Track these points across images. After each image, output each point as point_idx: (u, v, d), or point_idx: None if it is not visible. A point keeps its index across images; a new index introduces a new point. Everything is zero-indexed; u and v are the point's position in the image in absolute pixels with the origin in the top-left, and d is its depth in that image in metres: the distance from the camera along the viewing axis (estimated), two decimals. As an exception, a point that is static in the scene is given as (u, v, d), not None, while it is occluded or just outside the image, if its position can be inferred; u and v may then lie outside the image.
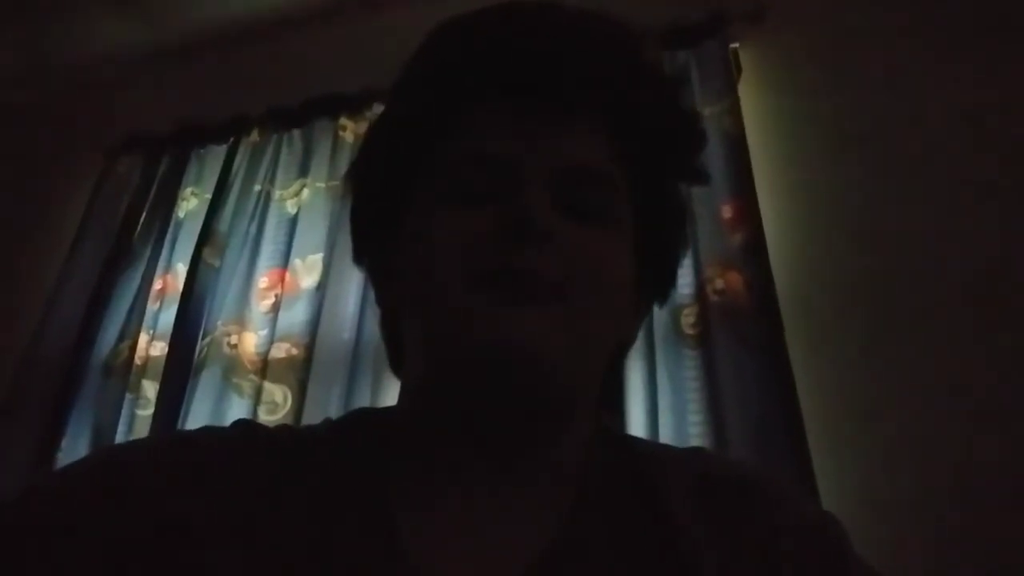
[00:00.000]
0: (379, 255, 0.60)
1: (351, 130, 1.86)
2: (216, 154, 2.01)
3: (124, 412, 1.70)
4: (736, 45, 1.60)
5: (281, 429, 0.58)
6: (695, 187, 0.63)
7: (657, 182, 0.58)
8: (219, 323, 1.72)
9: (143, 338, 1.80)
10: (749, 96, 1.55)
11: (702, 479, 0.54)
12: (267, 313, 1.70)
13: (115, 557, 0.45)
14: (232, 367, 1.66)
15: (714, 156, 1.42)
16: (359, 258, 0.62)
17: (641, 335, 1.05)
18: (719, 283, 1.36)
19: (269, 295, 1.72)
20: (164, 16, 2.19)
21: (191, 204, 1.99)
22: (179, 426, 1.59)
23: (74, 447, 1.72)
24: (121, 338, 1.81)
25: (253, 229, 1.81)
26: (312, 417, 1.51)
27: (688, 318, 1.37)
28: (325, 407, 1.53)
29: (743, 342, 1.30)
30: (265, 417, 1.56)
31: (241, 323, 1.71)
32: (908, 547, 1.11)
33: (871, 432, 1.24)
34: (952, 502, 1.16)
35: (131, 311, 1.84)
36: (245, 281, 1.75)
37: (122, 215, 2.02)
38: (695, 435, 1.28)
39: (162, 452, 0.52)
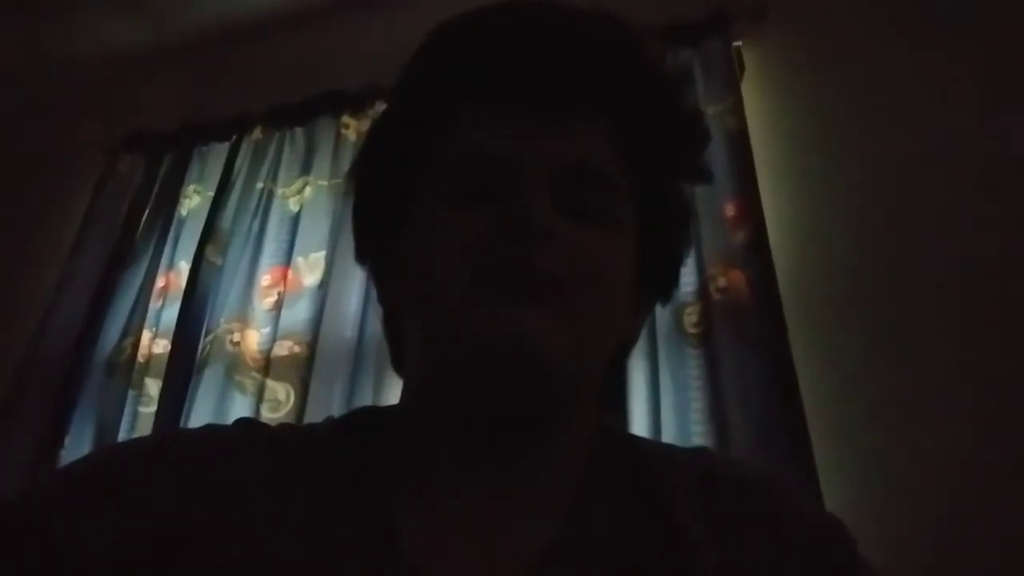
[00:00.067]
0: (380, 254, 0.60)
1: (353, 128, 1.86)
2: (218, 152, 2.01)
3: (127, 410, 1.70)
4: (739, 43, 1.60)
5: (283, 428, 0.58)
6: (698, 186, 0.63)
7: (659, 181, 0.58)
8: (222, 321, 1.72)
9: (146, 336, 1.80)
10: (752, 94, 1.54)
11: (704, 479, 0.54)
12: (270, 311, 1.70)
13: (116, 556, 0.45)
14: (235, 365, 1.66)
15: (717, 154, 1.42)
16: (361, 257, 0.62)
17: (643, 334, 1.05)
18: (722, 281, 1.36)
19: (272, 293, 1.72)
20: (166, 14, 2.19)
21: (193, 202, 1.99)
22: (182, 424, 1.59)
23: (77, 445, 1.72)
24: (124, 336, 1.82)
25: (256, 227, 1.81)
26: (314, 415, 1.51)
27: (690, 316, 1.36)
28: (327, 405, 1.54)
29: (745, 340, 1.30)
30: (267, 415, 1.56)
31: (244, 321, 1.71)
32: (909, 546, 1.10)
33: (873, 431, 1.24)
34: (953, 501, 1.16)
35: (134, 309, 1.85)
36: (248, 279, 1.75)
37: (124, 213, 2.02)
38: (697, 434, 1.28)
39: (164, 451, 0.52)
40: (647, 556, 0.49)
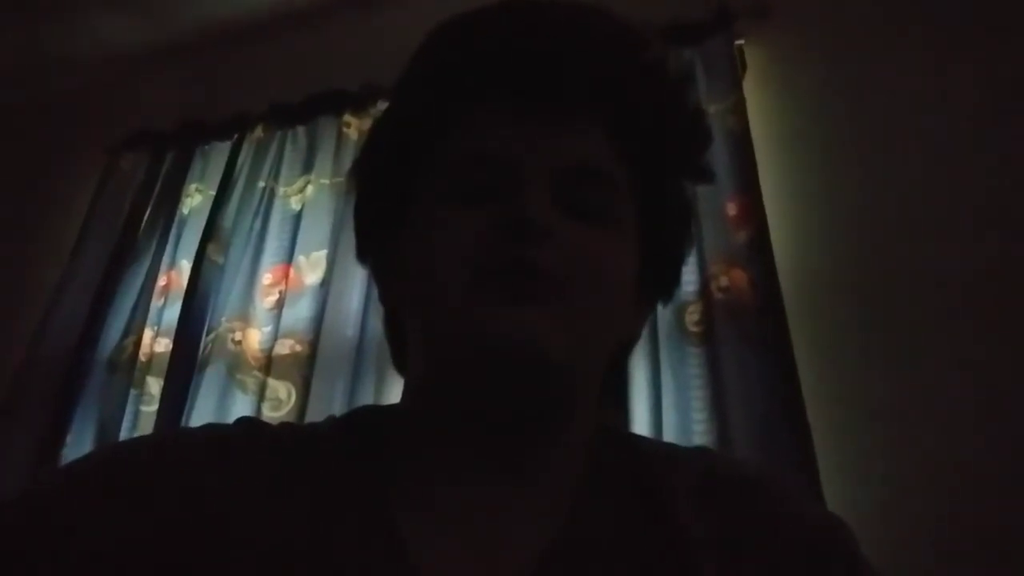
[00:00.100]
0: (381, 253, 0.60)
1: (355, 127, 1.86)
2: (220, 151, 2.01)
3: (128, 408, 1.70)
4: (741, 42, 1.59)
5: (284, 427, 0.58)
6: (700, 185, 0.63)
7: (659, 181, 0.58)
8: (223, 319, 1.72)
9: (147, 334, 1.80)
10: (754, 93, 1.54)
11: (705, 478, 0.54)
12: (271, 309, 1.70)
13: (116, 555, 0.45)
14: (236, 363, 1.66)
15: (719, 153, 1.42)
16: (362, 256, 0.62)
17: (645, 333, 1.05)
18: (723, 280, 1.36)
19: (273, 291, 1.72)
20: (166, 14, 2.19)
21: (195, 201, 1.99)
22: (183, 422, 1.60)
23: (78, 443, 1.72)
24: (125, 335, 1.82)
25: (257, 225, 1.81)
26: (316, 414, 1.51)
27: (692, 316, 1.36)
28: (329, 404, 1.54)
29: (747, 340, 1.29)
30: (269, 414, 1.57)
31: (245, 319, 1.71)
32: (909, 546, 1.10)
33: (874, 431, 1.24)
34: (953, 501, 1.16)
35: (135, 307, 1.85)
36: (249, 278, 1.75)
37: (126, 212, 2.02)
38: (699, 433, 1.27)
39: (165, 450, 0.52)
40: (647, 556, 0.49)
